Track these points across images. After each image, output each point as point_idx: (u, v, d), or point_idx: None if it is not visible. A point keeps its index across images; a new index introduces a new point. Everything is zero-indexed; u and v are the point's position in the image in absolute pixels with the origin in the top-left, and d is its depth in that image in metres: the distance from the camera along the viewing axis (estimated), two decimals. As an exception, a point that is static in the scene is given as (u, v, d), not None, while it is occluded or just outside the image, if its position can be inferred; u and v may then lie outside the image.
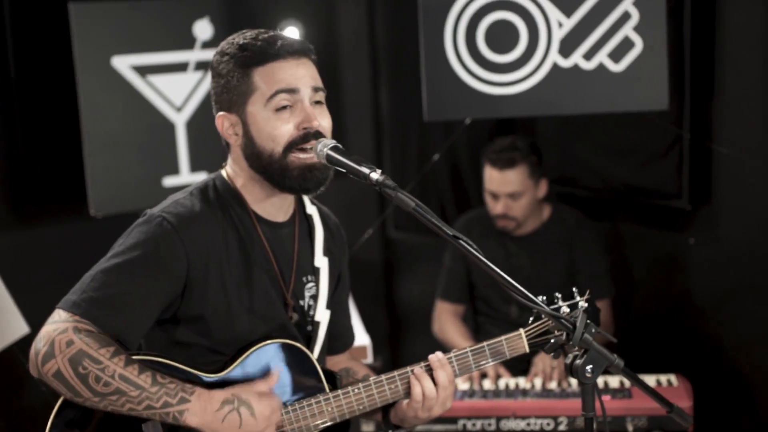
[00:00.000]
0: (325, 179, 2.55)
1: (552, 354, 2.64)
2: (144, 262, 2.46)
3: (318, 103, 2.58)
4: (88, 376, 2.35)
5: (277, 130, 2.51)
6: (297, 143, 2.51)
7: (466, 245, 2.33)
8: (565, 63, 4.22)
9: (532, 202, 4.49)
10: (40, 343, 2.39)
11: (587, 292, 2.71)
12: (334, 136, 2.58)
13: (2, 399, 4.60)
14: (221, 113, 2.59)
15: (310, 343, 2.71)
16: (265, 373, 2.55)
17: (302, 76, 2.55)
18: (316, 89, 2.58)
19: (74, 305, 2.41)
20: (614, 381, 4.08)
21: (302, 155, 2.51)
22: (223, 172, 2.67)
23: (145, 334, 2.55)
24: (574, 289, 2.72)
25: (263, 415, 2.47)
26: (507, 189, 4.43)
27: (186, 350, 2.56)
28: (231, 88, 2.56)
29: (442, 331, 4.69)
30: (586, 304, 2.68)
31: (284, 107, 2.52)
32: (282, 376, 2.59)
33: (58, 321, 2.41)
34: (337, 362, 2.93)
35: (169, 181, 4.63)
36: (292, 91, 2.53)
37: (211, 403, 2.42)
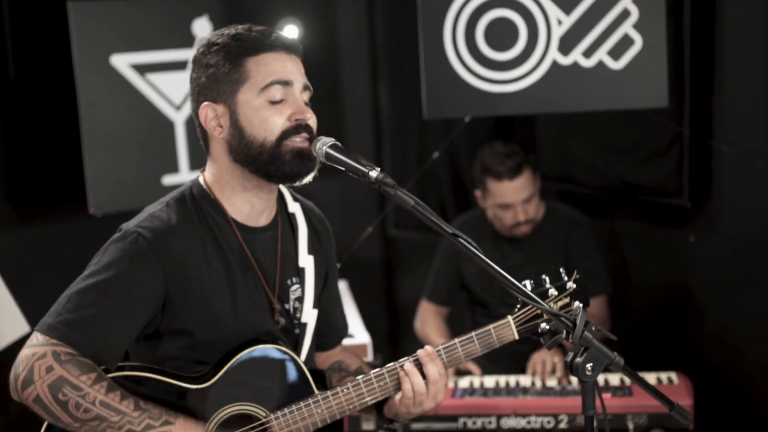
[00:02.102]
0: (314, 168, 2.52)
1: (547, 345, 2.63)
2: (119, 281, 2.43)
3: (305, 103, 2.56)
4: (68, 402, 2.35)
5: (269, 120, 2.48)
6: (290, 134, 2.49)
7: (465, 243, 2.33)
8: (565, 60, 4.21)
9: (539, 198, 4.49)
10: (19, 368, 2.38)
11: (574, 272, 2.69)
12: (334, 133, 2.57)
13: (2, 397, 4.59)
14: (206, 103, 2.53)
15: (297, 345, 2.68)
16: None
17: (294, 70, 2.53)
18: (305, 87, 2.55)
19: (51, 328, 2.39)
20: (615, 379, 4.07)
21: (296, 139, 2.49)
22: (201, 179, 2.62)
23: (127, 350, 2.54)
24: (561, 270, 2.71)
25: None
26: (522, 196, 4.39)
27: (173, 363, 2.55)
28: (219, 77, 2.50)
29: (423, 330, 4.69)
30: (574, 285, 2.67)
31: (278, 101, 2.49)
32: (270, 381, 2.57)
33: (36, 345, 2.39)
34: (329, 356, 2.92)
35: (168, 180, 4.62)
36: (286, 83, 2.50)
37: (195, 430, 2.43)
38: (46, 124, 4.71)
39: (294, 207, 2.75)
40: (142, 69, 4.55)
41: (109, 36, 4.46)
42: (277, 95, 2.49)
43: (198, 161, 4.67)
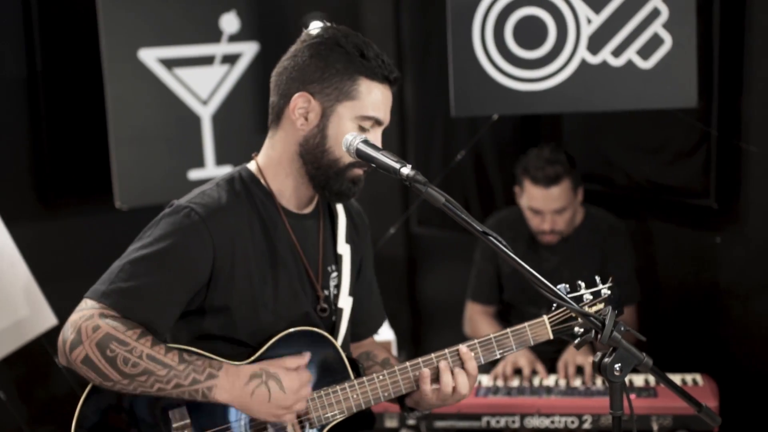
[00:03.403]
0: (358, 192, 2.67)
1: (576, 344, 2.65)
2: (172, 253, 2.49)
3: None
4: (116, 358, 2.38)
5: None
6: (361, 164, 2.61)
7: (495, 241, 2.33)
8: (594, 59, 4.20)
9: (574, 212, 4.45)
10: (67, 332, 2.43)
11: (609, 279, 2.71)
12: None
13: (28, 389, 4.63)
14: (303, 93, 2.59)
15: (333, 331, 2.74)
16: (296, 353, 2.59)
17: (388, 111, 2.67)
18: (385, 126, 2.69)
19: (103, 295, 2.45)
20: (639, 380, 4.06)
21: (361, 170, 2.63)
22: (251, 166, 2.70)
23: (173, 324, 2.57)
24: (596, 277, 2.72)
25: (292, 389, 2.51)
26: (553, 206, 4.33)
27: (211, 343, 2.59)
28: (328, 78, 2.58)
29: (473, 331, 4.61)
30: (609, 292, 2.69)
31: (365, 130, 2.61)
32: (309, 361, 2.62)
33: (85, 309, 2.45)
34: (358, 347, 2.97)
35: (194, 174, 4.63)
36: (380, 122, 2.64)
37: (239, 378, 2.47)
38: (73, 118, 4.73)
39: None
40: (170, 63, 4.56)
41: (138, 30, 4.47)
42: (368, 127, 2.61)
43: (224, 156, 4.68)
